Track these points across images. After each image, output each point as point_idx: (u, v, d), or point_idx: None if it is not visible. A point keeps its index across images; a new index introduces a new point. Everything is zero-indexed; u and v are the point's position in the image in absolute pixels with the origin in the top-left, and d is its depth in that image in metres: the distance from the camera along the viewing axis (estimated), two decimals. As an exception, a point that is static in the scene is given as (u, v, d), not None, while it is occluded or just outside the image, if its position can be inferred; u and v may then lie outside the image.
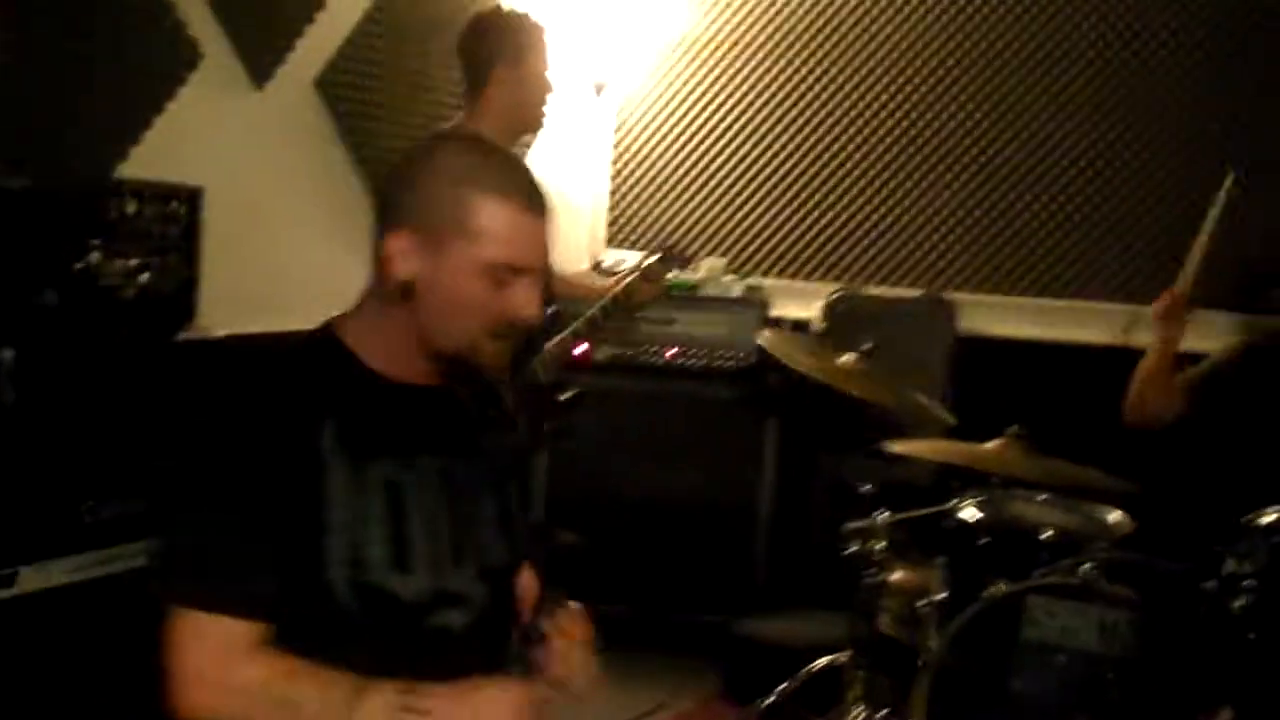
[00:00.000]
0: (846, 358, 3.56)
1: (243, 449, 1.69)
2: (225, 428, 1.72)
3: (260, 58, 3.80)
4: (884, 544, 3.28)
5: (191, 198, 3.10)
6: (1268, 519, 3.00)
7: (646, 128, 5.43)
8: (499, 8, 3.95)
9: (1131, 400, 3.54)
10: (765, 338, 3.82)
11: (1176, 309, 3.53)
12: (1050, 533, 3.21)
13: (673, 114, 5.39)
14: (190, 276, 3.09)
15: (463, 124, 3.51)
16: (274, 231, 3.93)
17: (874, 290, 5.08)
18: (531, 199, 1.74)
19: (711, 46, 5.30)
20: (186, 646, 1.64)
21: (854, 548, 3.25)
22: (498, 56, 3.41)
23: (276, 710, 1.63)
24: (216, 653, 1.64)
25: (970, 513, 3.32)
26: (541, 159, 5.10)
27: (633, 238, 5.46)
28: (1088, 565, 3.00)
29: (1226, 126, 4.63)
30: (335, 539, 1.70)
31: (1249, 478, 3.53)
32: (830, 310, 4.93)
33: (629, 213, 5.51)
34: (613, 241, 5.48)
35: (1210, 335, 3.57)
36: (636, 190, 5.49)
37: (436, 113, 4.29)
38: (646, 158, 5.45)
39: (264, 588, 1.67)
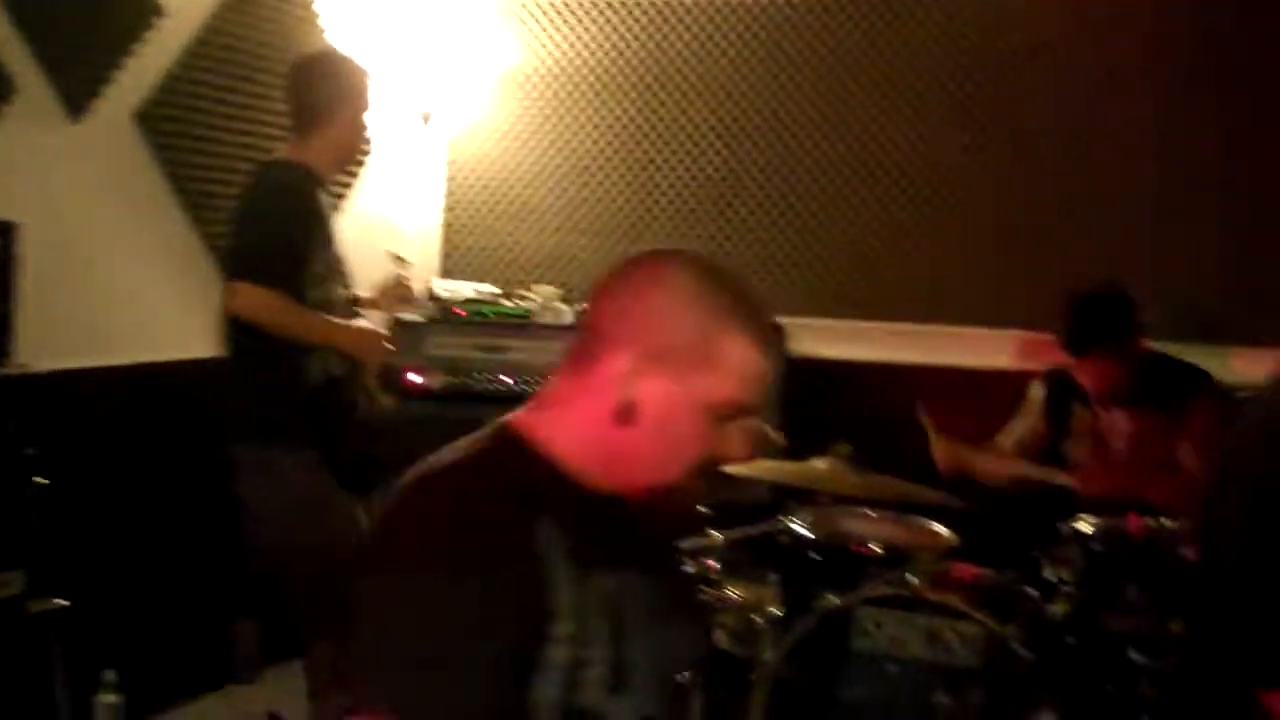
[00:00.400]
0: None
1: (468, 555, 1.49)
2: (442, 534, 1.52)
3: (76, 90, 3.73)
4: (719, 563, 3.33)
5: (5, 233, 3.02)
6: (1082, 525, 3.13)
7: (481, 159, 5.44)
8: (335, 51, 3.98)
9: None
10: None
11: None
12: (878, 547, 3.30)
13: (507, 145, 5.42)
14: (4, 312, 3.01)
15: (289, 156, 3.52)
16: (94, 265, 3.86)
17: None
18: (771, 341, 1.66)
19: (544, 78, 5.35)
20: None
21: (689, 567, 3.29)
22: (339, 98, 3.52)
23: None
24: None
25: (801, 530, 3.39)
26: (372, 189, 5.09)
27: (467, 268, 5.46)
28: (914, 576, 3.09)
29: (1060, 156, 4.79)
30: (558, 653, 1.53)
31: (1064, 489, 3.70)
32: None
33: (463, 243, 5.51)
34: (447, 272, 5.47)
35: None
36: (470, 220, 5.49)
37: (259, 145, 4.25)
38: (481, 188, 5.47)
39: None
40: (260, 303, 3.28)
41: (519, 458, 1.62)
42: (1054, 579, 3.13)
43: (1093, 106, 4.69)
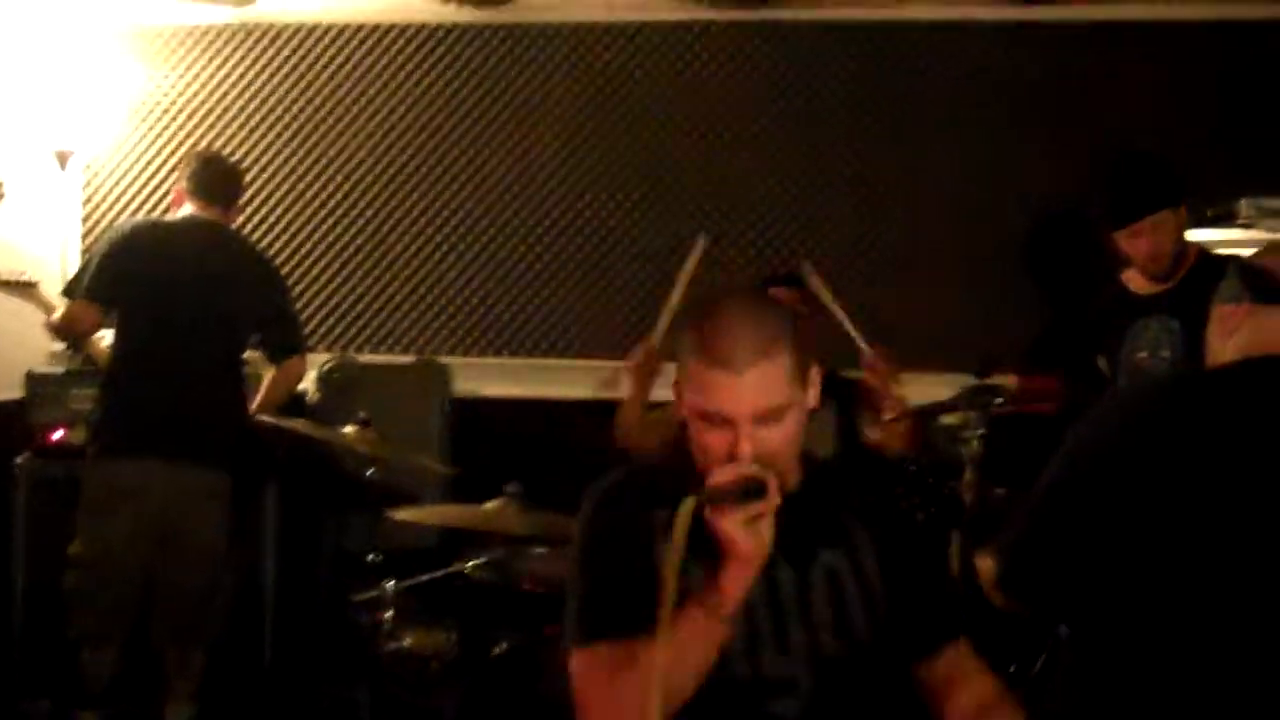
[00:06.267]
0: (347, 429, 3.55)
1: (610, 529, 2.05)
2: (600, 514, 2.07)
3: None
4: (392, 611, 3.27)
5: None
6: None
7: (119, 197, 5.19)
8: None
9: (619, 442, 3.86)
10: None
11: (650, 362, 3.88)
12: (553, 585, 3.31)
13: (144, 183, 5.18)
14: None
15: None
16: None
17: (367, 358, 5.06)
18: (717, 356, 1.93)
19: (182, 114, 5.16)
20: (585, 677, 1.94)
21: (363, 618, 3.22)
22: None
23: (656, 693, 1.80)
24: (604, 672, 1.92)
25: (476, 573, 3.38)
26: (4, 223, 4.79)
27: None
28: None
29: (700, 192, 4.96)
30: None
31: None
32: (324, 380, 4.88)
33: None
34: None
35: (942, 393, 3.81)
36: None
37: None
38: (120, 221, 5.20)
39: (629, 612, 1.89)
40: None
41: (680, 461, 2.04)
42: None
43: (733, 156, 4.91)
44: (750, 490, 1.87)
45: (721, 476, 1.89)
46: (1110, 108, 4.60)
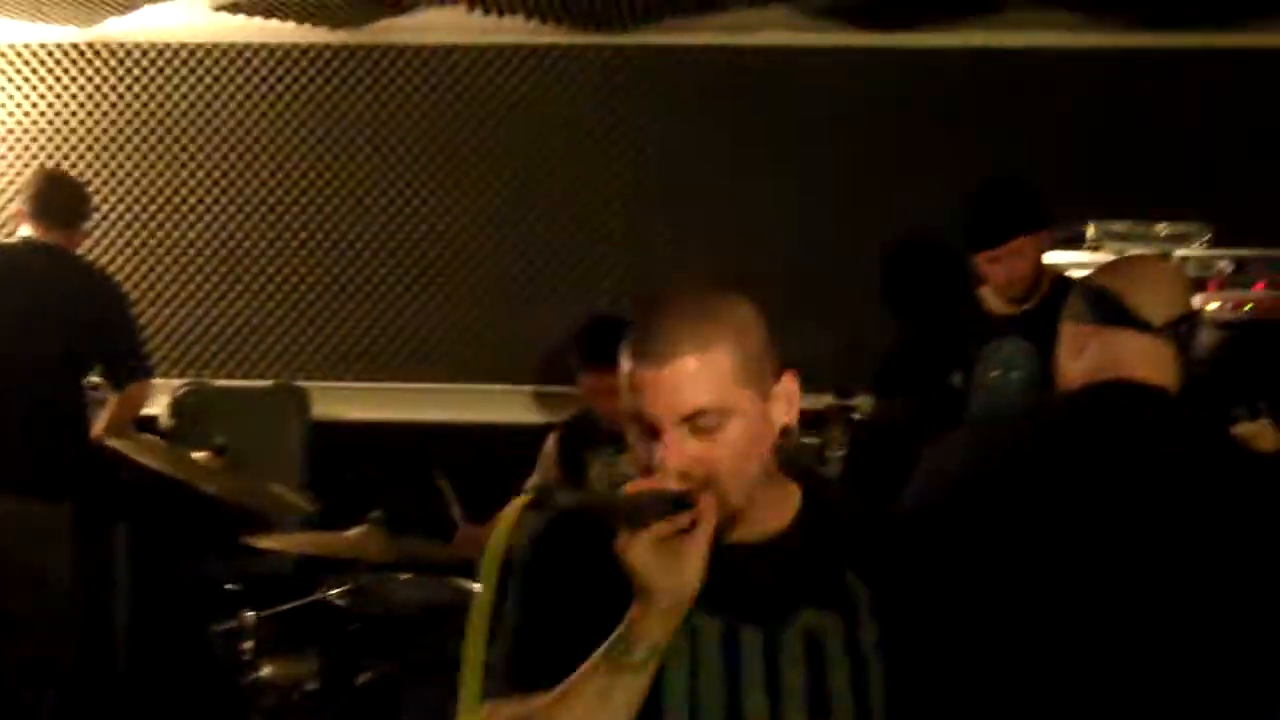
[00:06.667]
0: (201, 454, 3.48)
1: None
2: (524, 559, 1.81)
3: None
4: (253, 642, 3.21)
5: None
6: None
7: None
8: None
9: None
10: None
11: None
12: (418, 611, 3.28)
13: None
14: None
15: None
16: None
17: (222, 382, 4.97)
18: (641, 349, 1.67)
19: (27, 135, 5.02)
20: None
21: (223, 649, 3.15)
22: None
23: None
24: None
25: (338, 601, 3.33)
26: None
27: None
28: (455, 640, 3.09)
29: (563, 214, 4.95)
30: (674, 680, 1.67)
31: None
32: (178, 405, 4.77)
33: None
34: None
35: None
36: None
37: None
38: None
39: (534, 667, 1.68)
40: None
41: None
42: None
43: (595, 165, 4.93)
44: (658, 505, 1.58)
45: (631, 490, 1.63)
46: (966, 132, 4.72)
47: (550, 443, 4.02)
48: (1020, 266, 3.68)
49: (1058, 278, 3.75)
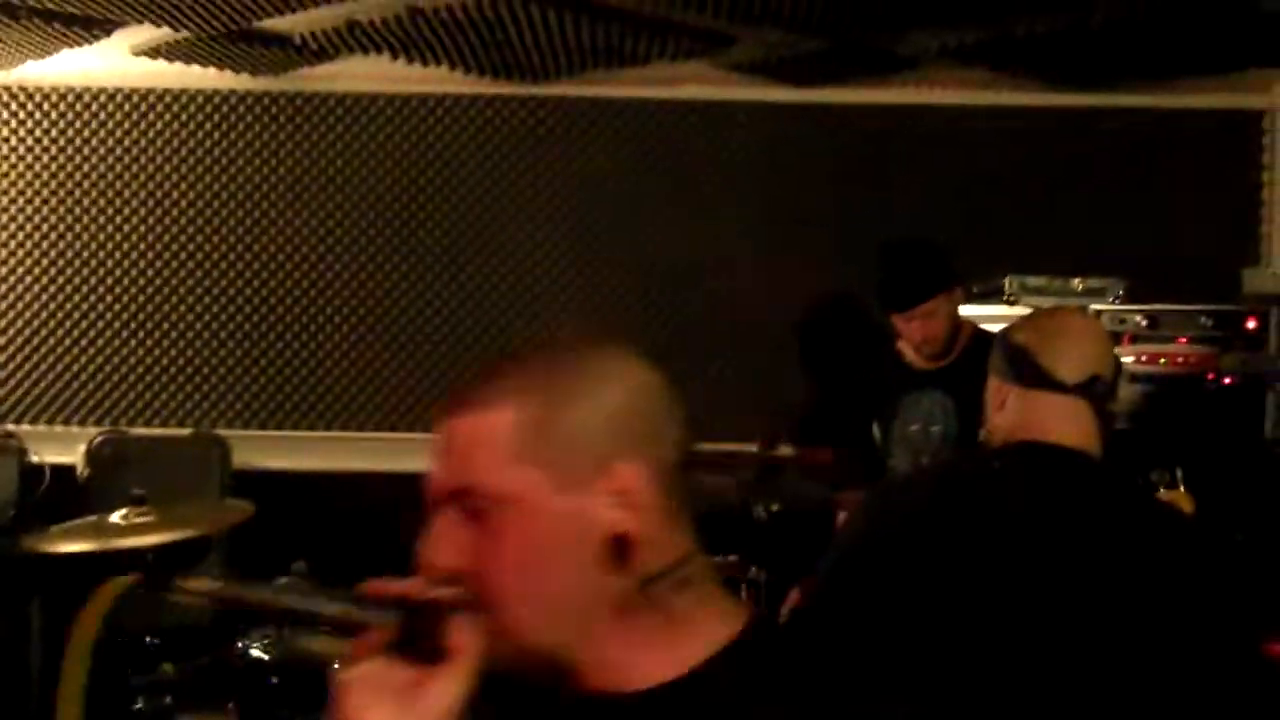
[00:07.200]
0: (120, 513, 3.42)
1: None
2: None
3: None
4: (171, 696, 3.16)
5: None
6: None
7: None
8: None
9: None
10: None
11: None
12: (339, 664, 3.24)
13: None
14: None
15: None
16: None
17: (140, 431, 4.90)
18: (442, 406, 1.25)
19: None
20: None
21: (140, 704, 3.10)
22: None
23: None
24: None
25: (258, 652, 3.28)
26: None
27: None
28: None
29: (483, 263, 4.98)
30: None
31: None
32: (94, 454, 4.69)
33: None
34: None
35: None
36: None
37: None
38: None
39: None
40: None
41: None
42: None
43: (516, 215, 4.94)
44: (387, 618, 1.12)
45: (366, 591, 1.18)
46: (885, 185, 4.81)
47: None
48: (934, 326, 3.74)
49: (976, 330, 3.81)
